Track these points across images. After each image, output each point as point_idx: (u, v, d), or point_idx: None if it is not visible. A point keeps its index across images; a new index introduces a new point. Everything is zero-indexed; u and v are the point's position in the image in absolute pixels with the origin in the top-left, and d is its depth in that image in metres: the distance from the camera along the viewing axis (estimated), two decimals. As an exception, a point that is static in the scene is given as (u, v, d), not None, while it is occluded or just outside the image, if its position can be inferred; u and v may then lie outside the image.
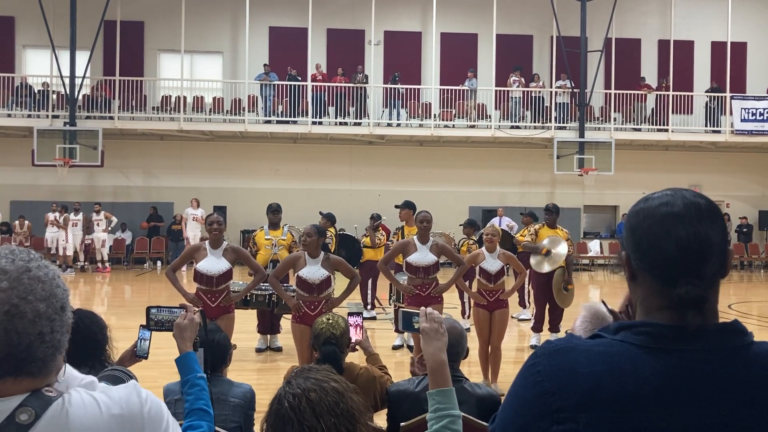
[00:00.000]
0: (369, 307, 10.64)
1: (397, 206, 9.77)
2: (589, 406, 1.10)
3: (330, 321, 3.46)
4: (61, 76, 17.93)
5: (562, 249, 8.42)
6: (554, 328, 8.70)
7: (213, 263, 6.03)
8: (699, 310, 1.15)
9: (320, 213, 10.84)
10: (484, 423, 2.72)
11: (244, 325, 8.37)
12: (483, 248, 6.82)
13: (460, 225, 10.32)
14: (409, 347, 8.15)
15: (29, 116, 18.66)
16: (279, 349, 8.38)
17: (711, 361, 1.13)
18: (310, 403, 1.84)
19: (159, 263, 19.05)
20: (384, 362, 3.87)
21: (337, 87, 19.22)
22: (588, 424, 1.10)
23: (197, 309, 2.39)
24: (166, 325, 2.45)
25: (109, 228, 18.08)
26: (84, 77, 18.03)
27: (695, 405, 1.10)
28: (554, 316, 8.70)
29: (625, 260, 1.23)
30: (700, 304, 1.15)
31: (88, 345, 2.62)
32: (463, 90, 19.72)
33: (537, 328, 8.79)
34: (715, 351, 1.14)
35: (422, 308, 2.11)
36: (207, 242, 6.13)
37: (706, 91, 20.51)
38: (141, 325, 2.81)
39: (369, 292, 10.61)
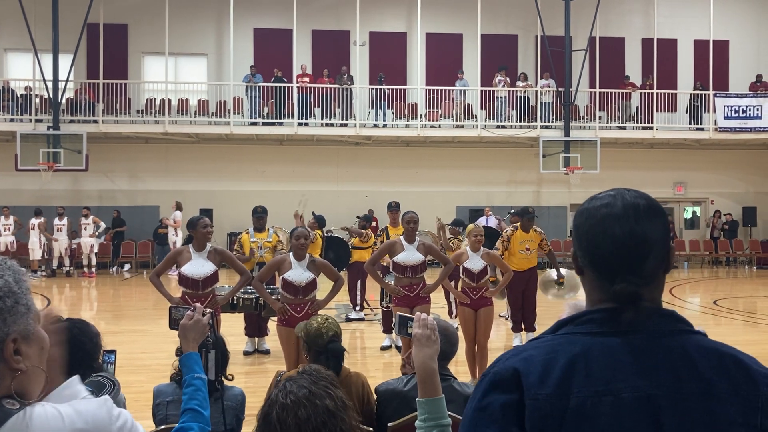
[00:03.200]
0: (357, 308, 10.63)
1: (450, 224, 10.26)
2: (547, 384, 1.18)
3: (329, 320, 3.45)
4: (44, 80, 17.79)
5: (579, 291, 8.51)
6: (530, 327, 8.73)
7: (198, 266, 5.97)
8: (634, 305, 1.23)
9: (312, 213, 10.84)
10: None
11: (232, 328, 8.33)
12: (467, 247, 6.83)
13: (447, 224, 10.34)
14: (398, 348, 8.14)
15: (12, 120, 18.49)
16: (267, 352, 8.35)
17: (652, 341, 1.22)
18: (296, 419, 1.82)
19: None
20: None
21: (322, 88, 19.21)
22: (546, 399, 1.18)
23: (208, 311, 2.37)
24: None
25: (96, 233, 17.94)
26: (67, 80, 17.89)
27: (640, 378, 1.19)
28: (528, 316, 8.73)
29: (573, 257, 1.34)
30: (635, 299, 1.22)
31: (78, 355, 2.60)
32: (450, 90, 19.76)
33: (516, 329, 8.81)
34: (657, 333, 1.23)
35: (417, 314, 2.12)
36: (191, 245, 6.07)
37: (692, 90, 20.69)
38: (104, 351, 2.81)
39: (358, 293, 10.60)
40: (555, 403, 1.17)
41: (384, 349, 8.50)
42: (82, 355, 2.69)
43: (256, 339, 8.46)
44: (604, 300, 1.25)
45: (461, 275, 6.80)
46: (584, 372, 1.18)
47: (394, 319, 2.37)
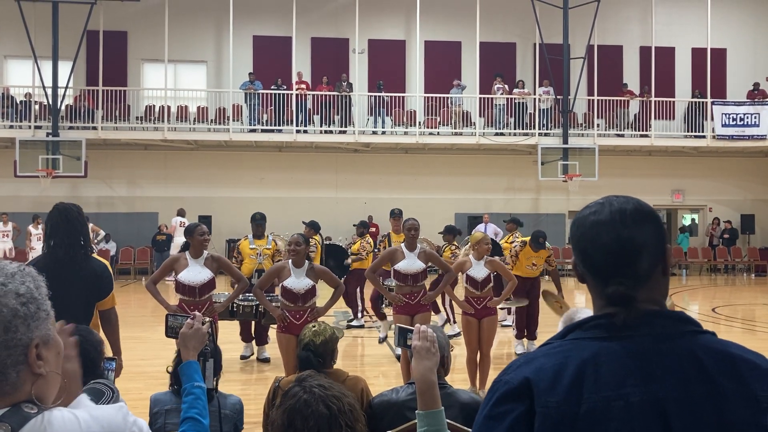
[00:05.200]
0: (359, 315, 10.61)
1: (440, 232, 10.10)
2: (557, 391, 1.20)
3: (315, 329, 3.46)
4: (44, 87, 17.82)
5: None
6: (531, 335, 8.73)
7: (195, 273, 5.94)
8: (626, 307, 1.24)
9: (303, 222, 10.75)
10: (469, 429, 2.72)
11: (229, 336, 8.32)
12: (470, 255, 6.71)
13: (440, 233, 10.35)
14: (397, 357, 8.12)
15: (11, 127, 18.50)
16: (266, 360, 8.31)
17: (658, 344, 1.24)
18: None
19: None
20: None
21: (321, 95, 19.24)
22: (556, 406, 1.19)
23: (207, 319, 2.38)
24: (177, 332, 2.42)
25: (95, 240, 17.90)
26: (67, 87, 17.92)
27: (648, 382, 1.20)
28: (531, 324, 8.73)
29: (573, 266, 1.37)
30: (627, 302, 1.24)
31: (83, 363, 2.62)
32: (449, 98, 19.80)
33: (519, 336, 8.81)
34: (662, 336, 1.25)
35: (417, 325, 2.12)
36: (187, 252, 6.06)
37: (690, 98, 20.75)
38: (106, 358, 2.82)
39: (358, 300, 10.57)
40: (566, 410, 1.18)
41: (381, 341, 8.43)
42: (87, 363, 2.69)
43: (254, 344, 8.44)
44: (603, 305, 1.28)
45: (464, 284, 6.68)
46: (593, 378, 1.20)
47: (392, 327, 2.40)
